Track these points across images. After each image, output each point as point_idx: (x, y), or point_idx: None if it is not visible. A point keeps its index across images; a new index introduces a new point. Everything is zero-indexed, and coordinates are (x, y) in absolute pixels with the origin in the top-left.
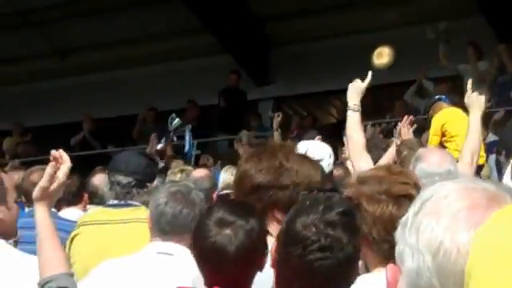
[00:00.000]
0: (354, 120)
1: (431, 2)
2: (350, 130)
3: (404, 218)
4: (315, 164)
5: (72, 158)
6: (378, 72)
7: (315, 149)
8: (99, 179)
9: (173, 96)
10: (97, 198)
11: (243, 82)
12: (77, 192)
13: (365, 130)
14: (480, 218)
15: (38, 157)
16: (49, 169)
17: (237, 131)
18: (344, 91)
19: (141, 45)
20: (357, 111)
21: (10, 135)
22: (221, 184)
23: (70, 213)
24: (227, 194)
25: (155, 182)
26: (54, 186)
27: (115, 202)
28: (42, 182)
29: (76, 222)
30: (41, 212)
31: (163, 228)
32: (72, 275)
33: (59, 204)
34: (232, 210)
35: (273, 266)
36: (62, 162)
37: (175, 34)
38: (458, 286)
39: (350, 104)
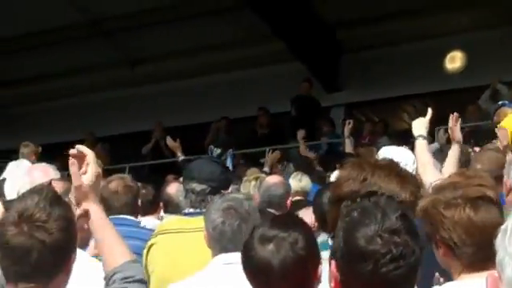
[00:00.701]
0: (421, 147)
1: (504, 6)
2: (419, 154)
3: (504, 226)
4: (406, 181)
5: (143, 167)
6: (450, 77)
7: (398, 155)
8: (174, 188)
9: (244, 104)
10: (171, 207)
11: (314, 89)
12: (153, 200)
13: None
14: None
15: (110, 166)
16: (72, 168)
17: (309, 139)
18: (416, 96)
19: (211, 53)
20: (424, 139)
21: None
22: (292, 191)
23: (146, 221)
24: (299, 200)
25: (230, 189)
26: (88, 177)
27: (191, 210)
28: (74, 182)
29: (152, 230)
30: (91, 210)
31: (225, 247)
32: (136, 261)
33: (136, 212)
34: (274, 224)
35: (336, 285)
36: (85, 155)
37: (245, 41)
38: None
39: (416, 135)
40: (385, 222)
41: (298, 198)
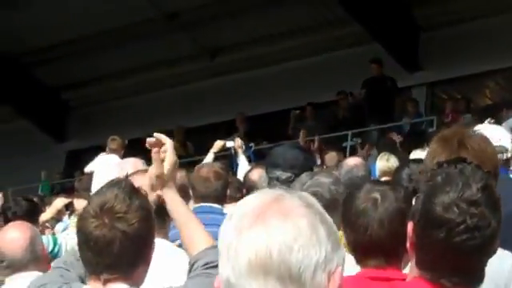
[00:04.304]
0: None
1: None
2: None
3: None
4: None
5: (225, 157)
6: None
7: (492, 132)
8: (256, 174)
9: (324, 88)
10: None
11: (394, 70)
12: (239, 187)
13: None
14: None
15: (194, 157)
16: (154, 155)
17: (388, 119)
18: (498, 71)
19: (289, 39)
20: None
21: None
22: (378, 172)
23: (228, 210)
24: (387, 181)
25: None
26: (167, 167)
27: None
28: (155, 171)
29: None
30: (168, 196)
31: None
32: (216, 246)
33: (224, 200)
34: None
35: (410, 246)
36: (163, 143)
37: (323, 26)
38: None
39: None
40: (465, 192)
41: (385, 178)
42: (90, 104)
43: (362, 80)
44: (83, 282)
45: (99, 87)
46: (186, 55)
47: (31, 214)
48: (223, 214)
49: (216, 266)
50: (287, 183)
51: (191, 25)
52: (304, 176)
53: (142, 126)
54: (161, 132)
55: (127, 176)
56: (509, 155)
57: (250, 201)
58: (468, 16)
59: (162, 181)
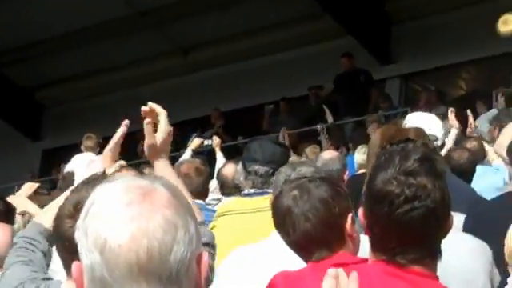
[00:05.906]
0: None
1: None
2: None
3: (78, 222)
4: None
5: (202, 153)
6: (503, 40)
7: (422, 121)
8: (229, 169)
9: (298, 83)
10: (227, 188)
11: (368, 63)
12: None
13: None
14: (135, 212)
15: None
16: (146, 127)
17: (364, 112)
18: (471, 62)
19: (262, 34)
20: None
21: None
22: (356, 165)
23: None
24: (363, 173)
25: None
26: (159, 137)
27: (252, 191)
28: (147, 141)
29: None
30: (159, 166)
31: None
32: (202, 223)
33: (206, 195)
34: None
35: (366, 232)
36: (156, 114)
37: (296, 20)
38: (125, 276)
39: None
40: (402, 164)
41: (363, 171)
42: (64, 103)
43: (336, 74)
44: (45, 256)
45: (73, 86)
46: (158, 53)
47: (8, 216)
48: (207, 210)
49: (207, 245)
50: (266, 177)
51: (163, 22)
52: (286, 168)
53: (115, 125)
54: (134, 131)
55: (104, 173)
56: (439, 143)
57: (114, 190)
58: (439, 8)
59: (154, 151)
